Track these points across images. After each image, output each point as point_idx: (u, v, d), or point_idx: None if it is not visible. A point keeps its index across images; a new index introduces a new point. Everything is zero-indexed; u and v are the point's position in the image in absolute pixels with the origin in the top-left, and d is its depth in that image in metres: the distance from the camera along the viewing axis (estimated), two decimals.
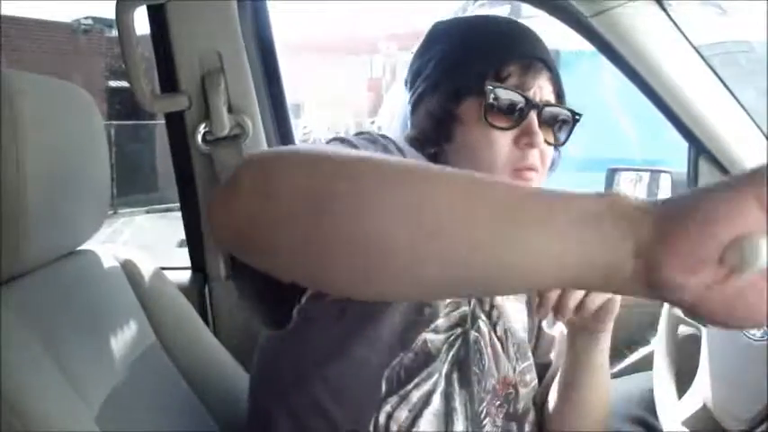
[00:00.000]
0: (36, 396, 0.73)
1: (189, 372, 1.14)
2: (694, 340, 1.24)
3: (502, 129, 0.92)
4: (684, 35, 1.41)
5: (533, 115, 0.92)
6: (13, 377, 0.72)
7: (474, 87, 0.93)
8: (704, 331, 1.16)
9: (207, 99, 1.35)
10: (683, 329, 1.31)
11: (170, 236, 5.44)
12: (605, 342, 0.98)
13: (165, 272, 1.21)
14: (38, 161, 0.82)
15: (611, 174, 1.61)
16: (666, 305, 1.23)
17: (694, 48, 1.42)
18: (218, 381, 1.17)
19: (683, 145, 1.56)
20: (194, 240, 1.49)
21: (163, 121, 1.49)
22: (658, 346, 1.27)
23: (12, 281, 0.84)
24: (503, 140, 0.92)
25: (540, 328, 1.11)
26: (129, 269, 1.12)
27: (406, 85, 1.04)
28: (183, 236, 1.53)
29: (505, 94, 0.91)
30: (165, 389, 1.08)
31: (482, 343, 0.93)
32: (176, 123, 1.43)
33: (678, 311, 1.17)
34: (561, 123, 0.97)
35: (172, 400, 1.08)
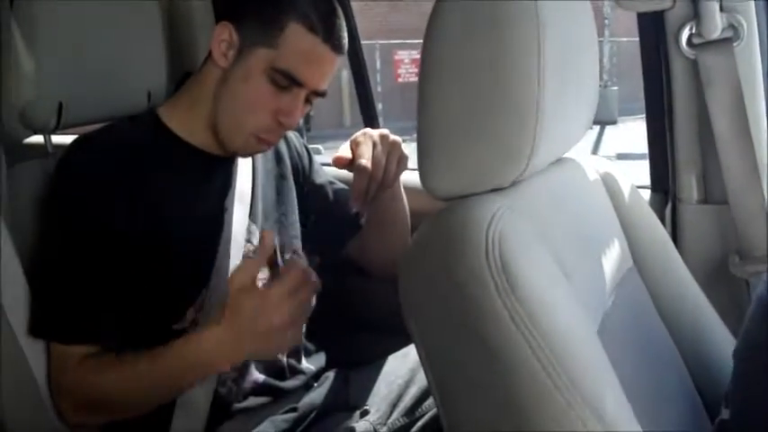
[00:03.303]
0: (552, 311, 0.66)
1: (660, 301, 1.02)
2: None
3: None
4: None
5: None
6: (534, 288, 0.66)
7: None
8: None
9: None
10: None
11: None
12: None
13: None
14: (552, 60, 0.73)
15: None
16: None
17: None
18: (692, 319, 1.04)
19: None
20: (658, 157, 1.34)
21: None
22: None
23: (513, 185, 0.78)
24: None
25: None
26: (609, 184, 1.02)
27: None
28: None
29: None
30: (641, 321, 0.97)
31: None
32: (650, 25, 1.28)
33: None
34: None
35: (645, 334, 0.97)
